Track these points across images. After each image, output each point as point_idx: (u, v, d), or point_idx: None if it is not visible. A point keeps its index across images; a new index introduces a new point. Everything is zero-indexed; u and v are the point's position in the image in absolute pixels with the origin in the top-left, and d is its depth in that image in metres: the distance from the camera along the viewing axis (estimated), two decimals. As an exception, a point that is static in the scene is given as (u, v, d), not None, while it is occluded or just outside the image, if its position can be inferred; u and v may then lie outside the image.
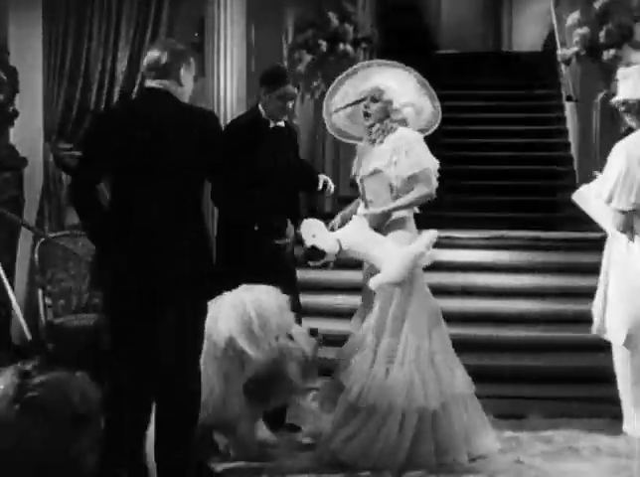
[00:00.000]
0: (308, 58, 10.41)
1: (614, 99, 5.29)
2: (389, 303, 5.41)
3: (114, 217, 4.47)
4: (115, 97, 7.97)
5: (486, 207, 10.50)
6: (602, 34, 9.96)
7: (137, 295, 4.41)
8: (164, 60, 4.47)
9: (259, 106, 5.89)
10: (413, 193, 5.47)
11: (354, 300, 5.98)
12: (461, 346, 5.74)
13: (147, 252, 4.39)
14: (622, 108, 5.25)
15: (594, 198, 5.16)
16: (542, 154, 11.53)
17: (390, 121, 5.58)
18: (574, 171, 10.75)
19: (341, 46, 10.23)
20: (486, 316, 7.72)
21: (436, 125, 5.81)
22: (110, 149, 4.42)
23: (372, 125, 5.61)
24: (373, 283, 5.35)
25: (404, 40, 13.72)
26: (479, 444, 5.55)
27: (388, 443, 5.28)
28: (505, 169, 11.18)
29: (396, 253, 5.34)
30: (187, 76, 4.54)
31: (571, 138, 11.35)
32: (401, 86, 5.68)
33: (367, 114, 5.59)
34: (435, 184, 5.55)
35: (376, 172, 5.55)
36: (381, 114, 5.58)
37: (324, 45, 10.16)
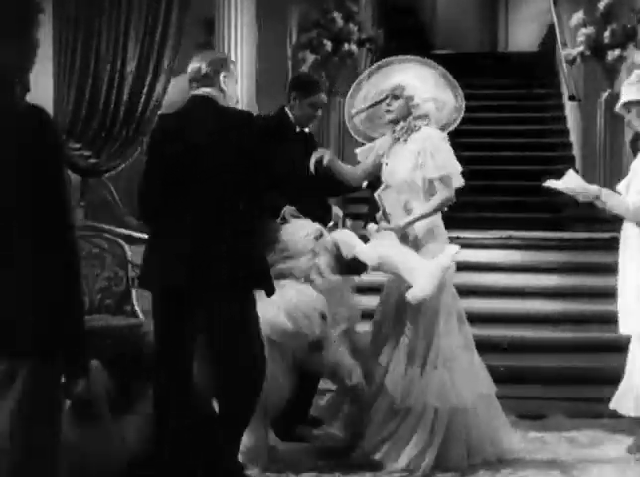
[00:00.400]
0: (312, 57, 10.38)
1: (619, 105, 5.42)
2: (420, 306, 5.38)
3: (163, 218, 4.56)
4: (125, 98, 7.91)
5: (487, 207, 10.50)
6: (607, 34, 9.99)
7: (178, 297, 4.47)
8: (204, 69, 4.61)
9: (287, 110, 5.87)
10: (435, 198, 5.41)
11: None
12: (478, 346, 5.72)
13: (187, 255, 4.45)
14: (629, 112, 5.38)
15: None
16: (543, 154, 11.53)
17: (413, 119, 5.53)
18: (577, 171, 10.72)
19: (345, 45, 10.20)
20: (496, 316, 7.70)
21: (459, 120, 5.76)
22: (162, 157, 4.58)
23: (395, 123, 5.56)
24: (412, 298, 5.28)
25: (401, 40, 13.70)
26: (504, 445, 5.54)
27: (420, 444, 5.26)
28: (506, 169, 11.18)
29: (425, 267, 5.29)
30: (228, 82, 4.66)
31: (573, 138, 11.36)
32: (423, 83, 5.63)
33: (389, 112, 5.54)
34: (458, 185, 5.53)
35: (400, 181, 5.50)
36: (403, 112, 5.52)
37: (328, 44, 10.13)
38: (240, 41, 8.14)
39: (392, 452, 5.30)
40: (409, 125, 5.54)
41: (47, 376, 2.80)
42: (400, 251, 5.36)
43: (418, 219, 5.43)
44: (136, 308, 6.21)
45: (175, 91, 8.21)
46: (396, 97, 5.54)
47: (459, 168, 5.51)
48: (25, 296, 2.76)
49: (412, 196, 5.46)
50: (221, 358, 4.59)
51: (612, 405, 5.51)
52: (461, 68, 12.84)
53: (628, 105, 5.50)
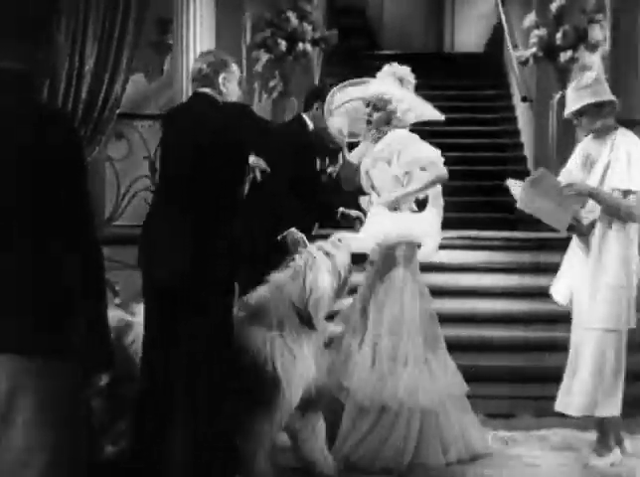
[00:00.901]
0: (266, 57, 10.33)
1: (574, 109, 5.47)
2: (387, 302, 5.40)
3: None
4: (83, 96, 7.81)
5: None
6: (559, 36, 10.09)
7: (157, 292, 4.57)
8: (204, 71, 4.73)
9: (305, 117, 6.05)
10: (424, 177, 5.49)
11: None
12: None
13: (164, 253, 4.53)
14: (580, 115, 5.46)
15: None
16: (494, 154, 11.62)
17: (388, 128, 5.59)
18: (528, 171, 10.84)
19: (300, 45, 10.16)
20: (460, 316, 7.72)
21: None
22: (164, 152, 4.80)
23: (371, 130, 5.64)
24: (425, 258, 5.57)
25: (351, 40, 13.75)
26: (477, 444, 5.57)
27: (396, 444, 5.26)
28: (456, 169, 11.17)
29: (422, 219, 5.53)
30: (227, 82, 4.75)
31: (524, 139, 11.47)
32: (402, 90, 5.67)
33: (369, 122, 5.61)
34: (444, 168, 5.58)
35: (377, 160, 5.57)
36: (382, 123, 5.60)
37: (283, 44, 10.08)
38: (197, 41, 8.06)
39: (368, 454, 5.29)
40: (382, 134, 5.61)
41: (69, 373, 2.83)
42: (392, 219, 5.44)
43: (410, 193, 5.50)
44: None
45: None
46: (377, 109, 5.57)
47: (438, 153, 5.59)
48: (48, 290, 2.81)
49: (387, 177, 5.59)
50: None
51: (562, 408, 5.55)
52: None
53: (581, 110, 5.50)
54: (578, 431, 5.94)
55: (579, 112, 5.50)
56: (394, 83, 5.62)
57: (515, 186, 5.63)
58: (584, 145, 5.64)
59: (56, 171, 2.84)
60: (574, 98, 5.51)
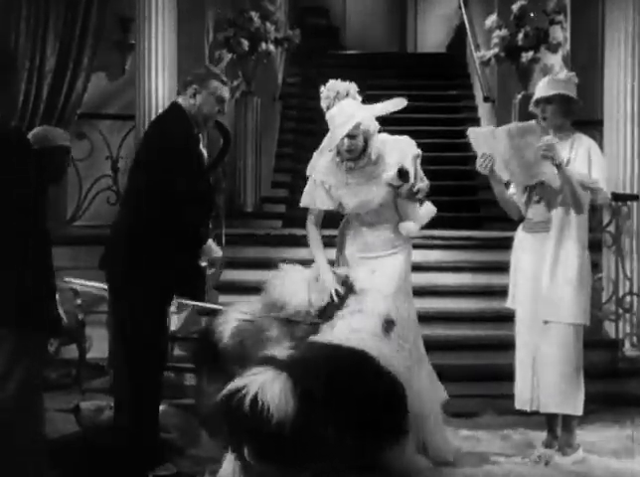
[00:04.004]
0: (228, 56, 10.31)
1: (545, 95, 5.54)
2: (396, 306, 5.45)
3: None
4: (45, 95, 7.77)
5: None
6: (520, 36, 10.15)
7: None
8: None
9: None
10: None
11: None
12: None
13: None
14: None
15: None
16: (457, 154, 11.63)
17: (369, 148, 5.56)
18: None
19: (263, 45, 10.13)
20: (422, 315, 7.73)
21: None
22: None
23: (355, 159, 5.58)
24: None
25: (314, 40, 13.75)
26: (438, 444, 5.57)
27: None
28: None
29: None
30: (198, 94, 5.01)
31: (487, 138, 11.50)
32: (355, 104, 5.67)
33: (350, 151, 5.53)
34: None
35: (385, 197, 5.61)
36: (361, 145, 5.54)
37: (245, 44, 10.05)
38: (159, 40, 8.02)
39: None
40: (369, 157, 5.57)
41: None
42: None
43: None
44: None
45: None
46: (351, 137, 5.50)
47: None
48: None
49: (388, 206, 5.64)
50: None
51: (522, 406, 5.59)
52: (371, 68, 13.09)
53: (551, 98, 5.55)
54: (540, 431, 5.95)
55: (548, 100, 5.55)
56: (349, 104, 5.59)
57: (480, 133, 5.75)
58: None
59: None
60: (548, 88, 5.61)
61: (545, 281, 5.53)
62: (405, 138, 5.69)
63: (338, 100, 5.67)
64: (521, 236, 5.73)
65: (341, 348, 4.94)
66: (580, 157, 5.50)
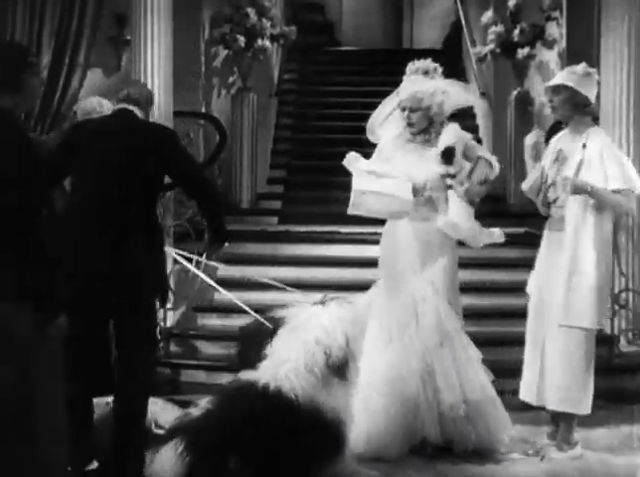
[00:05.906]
0: (224, 53, 10.31)
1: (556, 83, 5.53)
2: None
3: None
4: (40, 92, 7.74)
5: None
6: (516, 32, 10.17)
7: None
8: (134, 95, 5.02)
9: None
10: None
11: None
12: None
13: None
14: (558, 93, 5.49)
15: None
16: (453, 150, 11.63)
17: (433, 129, 5.61)
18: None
19: (259, 41, 10.13)
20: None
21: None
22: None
23: (417, 133, 5.63)
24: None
25: (311, 36, 13.75)
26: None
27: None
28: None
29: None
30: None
31: (482, 134, 11.51)
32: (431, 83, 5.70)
33: (410, 124, 5.60)
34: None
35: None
36: (424, 122, 5.61)
37: (241, 40, 10.04)
38: (155, 36, 8.00)
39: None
40: (430, 137, 5.63)
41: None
42: None
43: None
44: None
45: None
46: (413, 110, 5.59)
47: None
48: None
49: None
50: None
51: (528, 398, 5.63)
52: (367, 64, 13.08)
53: (561, 88, 5.51)
54: (532, 426, 5.96)
55: (555, 90, 5.54)
56: (422, 80, 5.65)
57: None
58: (557, 140, 5.66)
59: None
60: (558, 77, 5.59)
61: (560, 281, 5.46)
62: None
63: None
64: (544, 233, 5.70)
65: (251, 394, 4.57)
66: (592, 156, 5.43)
